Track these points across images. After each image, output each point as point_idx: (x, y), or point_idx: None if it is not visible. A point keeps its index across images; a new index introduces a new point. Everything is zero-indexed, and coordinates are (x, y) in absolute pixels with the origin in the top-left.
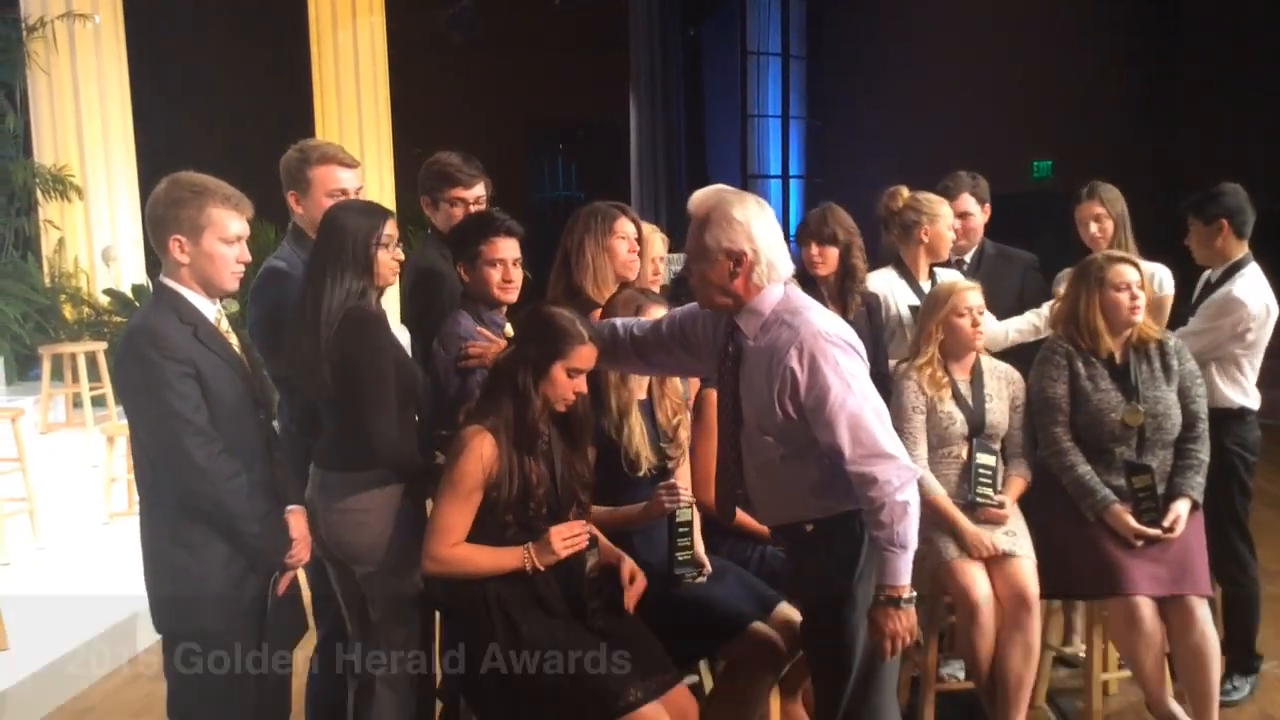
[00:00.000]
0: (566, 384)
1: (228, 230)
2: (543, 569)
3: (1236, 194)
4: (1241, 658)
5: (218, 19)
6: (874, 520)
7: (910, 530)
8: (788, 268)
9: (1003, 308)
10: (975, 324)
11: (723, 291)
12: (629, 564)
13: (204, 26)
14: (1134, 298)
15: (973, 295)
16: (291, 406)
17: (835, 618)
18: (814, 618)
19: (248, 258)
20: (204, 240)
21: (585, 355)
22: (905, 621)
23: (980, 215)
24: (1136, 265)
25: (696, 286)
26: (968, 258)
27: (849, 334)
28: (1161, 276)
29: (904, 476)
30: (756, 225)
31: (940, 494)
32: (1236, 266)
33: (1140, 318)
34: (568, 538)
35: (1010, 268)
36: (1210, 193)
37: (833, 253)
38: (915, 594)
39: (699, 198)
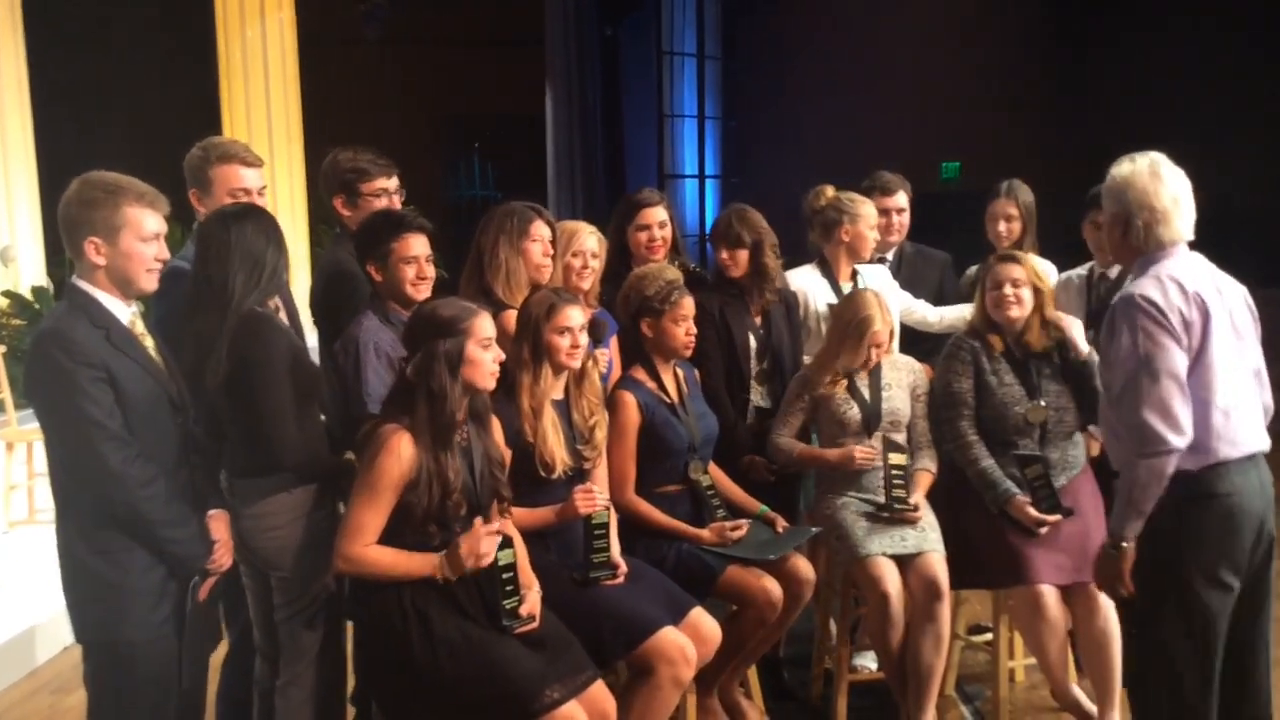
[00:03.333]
0: (484, 358)
1: (145, 229)
2: (453, 579)
3: None
4: None
5: (120, 14)
6: (1121, 471)
7: (1133, 489)
8: (1174, 232)
9: (923, 301)
10: (884, 346)
11: (1113, 247)
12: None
13: (106, 23)
14: (1004, 296)
15: (881, 321)
16: (196, 409)
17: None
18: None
19: (166, 255)
20: (121, 240)
21: (485, 324)
22: (1115, 567)
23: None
24: (1022, 262)
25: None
26: (890, 255)
27: (1168, 304)
28: (1046, 272)
29: (1148, 439)
30: (1133, 190)
31: (799, 446)
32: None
33: (1017, 313)
34: (476, 553)
35: (929, 266)
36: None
37: (742, 255)
38: (1128, 546)
39: (1115, 165)
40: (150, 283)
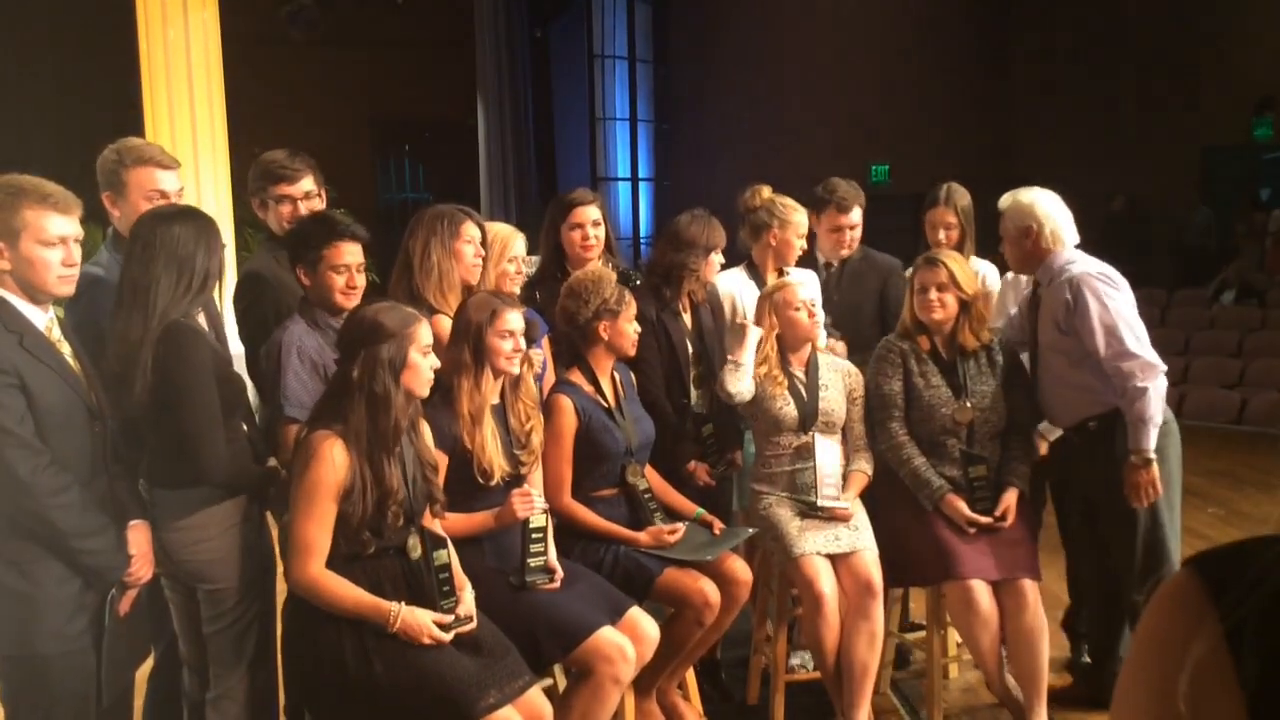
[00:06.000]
0: (423, 365)
1: (46, 232)
2: (401, 635)
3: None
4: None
5: (38, 16)
6: (1124, 401)
7: (1149, 408)
8: (1071, 235)
9: (865, 309)
10: (811, 314)
11: (1024, 256)
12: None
13: (24, 24)
14: (928, 300)
15: (802, 290)
16: (114, 418)
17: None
18: (1104, 497)
19: (75, 260)
20: (22, 244)
21: (425, 330)
22: (1148, 476)
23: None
24: (945, 266)
25: (1009, 257)
26: (834, 262)
27: (1109, 270)
28: (985, 272)
29: (1146, 369)
30: (1039, 206)
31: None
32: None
33: (939, 316)
34: (425, 631)
35: (872, 271)
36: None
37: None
38: (1155, 456)
39: (1004, 199)
40: (62, 287)
